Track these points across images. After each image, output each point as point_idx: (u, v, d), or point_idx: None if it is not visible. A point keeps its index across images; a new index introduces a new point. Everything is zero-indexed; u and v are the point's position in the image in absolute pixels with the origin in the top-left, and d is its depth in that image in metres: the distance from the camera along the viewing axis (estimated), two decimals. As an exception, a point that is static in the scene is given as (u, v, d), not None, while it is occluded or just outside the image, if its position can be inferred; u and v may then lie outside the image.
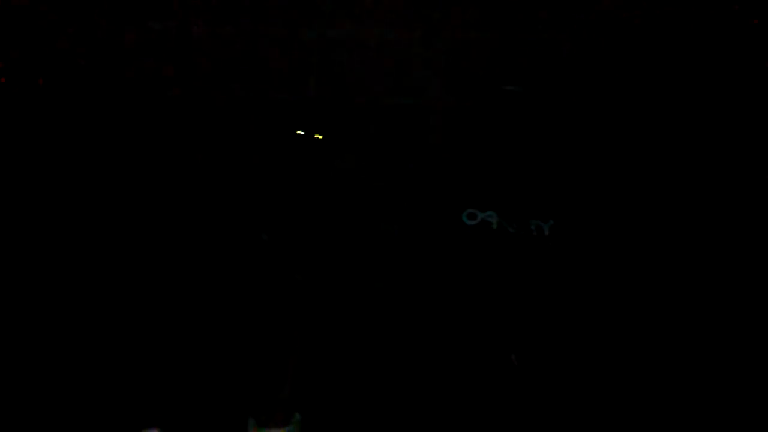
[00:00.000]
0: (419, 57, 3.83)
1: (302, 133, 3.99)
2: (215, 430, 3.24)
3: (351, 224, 3.93)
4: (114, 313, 3.70)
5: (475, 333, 3.68)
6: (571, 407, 3.49)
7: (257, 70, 4.10)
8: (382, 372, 3.60)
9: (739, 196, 3.65)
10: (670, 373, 3.50)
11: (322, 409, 3.42)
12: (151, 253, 3.84)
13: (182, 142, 4.05)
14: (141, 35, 4.09)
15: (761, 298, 3.57)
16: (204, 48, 4.09)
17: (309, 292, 3.82)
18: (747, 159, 3.64)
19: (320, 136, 3.94)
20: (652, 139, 3.73)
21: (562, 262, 3.79)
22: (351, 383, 3.57)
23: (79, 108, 4.07)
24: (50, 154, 4.01)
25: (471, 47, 3.75)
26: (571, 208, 3.82)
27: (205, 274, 3.81)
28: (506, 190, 3.86)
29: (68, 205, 3.90)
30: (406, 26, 3.81)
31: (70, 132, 4.04)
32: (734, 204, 3.65)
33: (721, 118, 3.65)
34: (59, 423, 3.37)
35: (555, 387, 3.54)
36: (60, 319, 3.67)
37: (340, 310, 3.76)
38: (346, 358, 3.64)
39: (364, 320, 3.74)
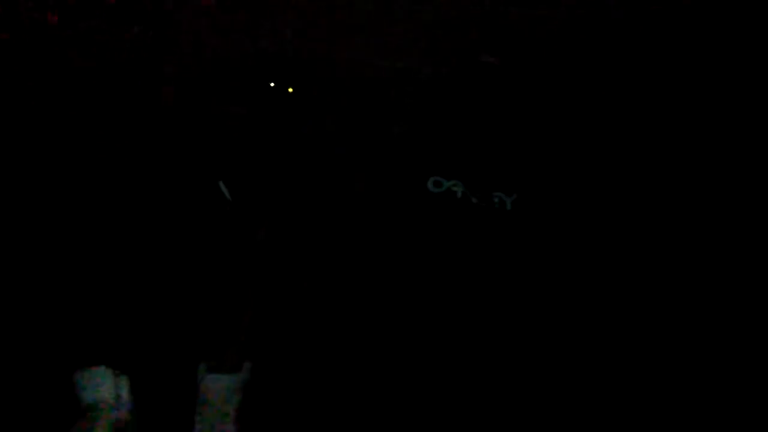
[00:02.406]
0: (400, 20, 3.81)
1: (274, 85, 3.93)
2: (165, 372, 3.21)
3: (317, 184, 3.92)
4: (61, 245, 3.61)
5: (431, 296, 3.73)
6: (522, 385, 3.58)
7: (231, 19, 4.00)
8: (339, 328, 3.63)
9: (700, 181, 3.76)
10: (632, 354, 3.61)
11: (274, 358, 3.43)
12: (109, 202, 3.76)
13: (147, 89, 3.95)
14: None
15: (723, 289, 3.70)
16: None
17: (270, 248, 3.80)
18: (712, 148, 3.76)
19: (291, 90, 3.90)
20: (623, 125, 3.81)
21: (521, 237, 3.86)
22: (304, 337, 3.59)
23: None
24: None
25: (454, 15, 3.74)
26: (536, 185, 3.89)
27: (164, 222, 3.75)
28: (474, 160, 3.89)
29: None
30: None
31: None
32: (697, 187, 3.77)
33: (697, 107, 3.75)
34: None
35: (510, 363, 3.62)
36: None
37: (298, 266, 3.76)
38: (302, 313, 3.65)
39: (323, 278, 3.75)
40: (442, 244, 3.86)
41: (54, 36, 3.83)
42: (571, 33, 3.71)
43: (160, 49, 3.96)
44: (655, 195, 3.79)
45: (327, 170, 3.90)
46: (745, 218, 3.72)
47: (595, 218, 3.84)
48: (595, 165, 3.85)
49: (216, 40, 4.00)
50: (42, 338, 3.38)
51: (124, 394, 2.80)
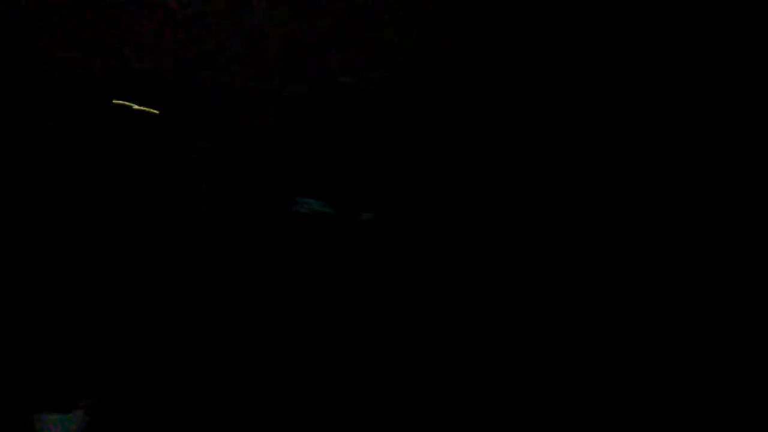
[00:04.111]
0: (260, 41, 3.78)
1: (117, 102, 3.71)
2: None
3: (176, 207, 3.73)
4: None
5: (296, 315, 3.67)
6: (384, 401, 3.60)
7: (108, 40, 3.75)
8: (189, 360, 3.44)
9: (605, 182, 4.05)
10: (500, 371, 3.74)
11: (115, 394, 3.17)
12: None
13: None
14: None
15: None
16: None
17: (113, 275, 3.54)
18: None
19: (156, 112, 3.70)
20: (485, 139, 4.03)
21: (379, 252, 3.94)
22: (149, 371, 3.36)
23: None
24: None
25: (308, 36, 3.78)
26: (395, 202, 4.00)
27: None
28: (336, 180, 3.93)
29: None
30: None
31: None
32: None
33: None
34: None
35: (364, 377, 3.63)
36: None
37: (150, 295, 3.54)
38: (145, 347, 3.42)
39: (176, 304, 3.55)
40: (307, 261, 3.83)
41: None
42: (429, 55, 3.88)
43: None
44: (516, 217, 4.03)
45: (183, 193, 3.73)
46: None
47: (457, 230, 4.00)
48: (455, 181, 4.02)
49: (70, 57, 3.71)
50: None
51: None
